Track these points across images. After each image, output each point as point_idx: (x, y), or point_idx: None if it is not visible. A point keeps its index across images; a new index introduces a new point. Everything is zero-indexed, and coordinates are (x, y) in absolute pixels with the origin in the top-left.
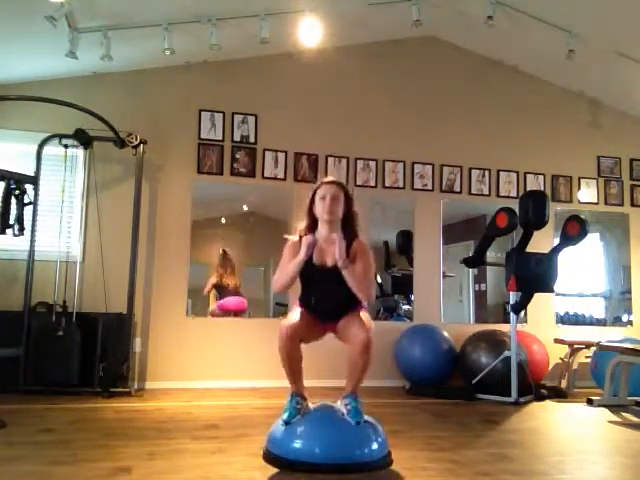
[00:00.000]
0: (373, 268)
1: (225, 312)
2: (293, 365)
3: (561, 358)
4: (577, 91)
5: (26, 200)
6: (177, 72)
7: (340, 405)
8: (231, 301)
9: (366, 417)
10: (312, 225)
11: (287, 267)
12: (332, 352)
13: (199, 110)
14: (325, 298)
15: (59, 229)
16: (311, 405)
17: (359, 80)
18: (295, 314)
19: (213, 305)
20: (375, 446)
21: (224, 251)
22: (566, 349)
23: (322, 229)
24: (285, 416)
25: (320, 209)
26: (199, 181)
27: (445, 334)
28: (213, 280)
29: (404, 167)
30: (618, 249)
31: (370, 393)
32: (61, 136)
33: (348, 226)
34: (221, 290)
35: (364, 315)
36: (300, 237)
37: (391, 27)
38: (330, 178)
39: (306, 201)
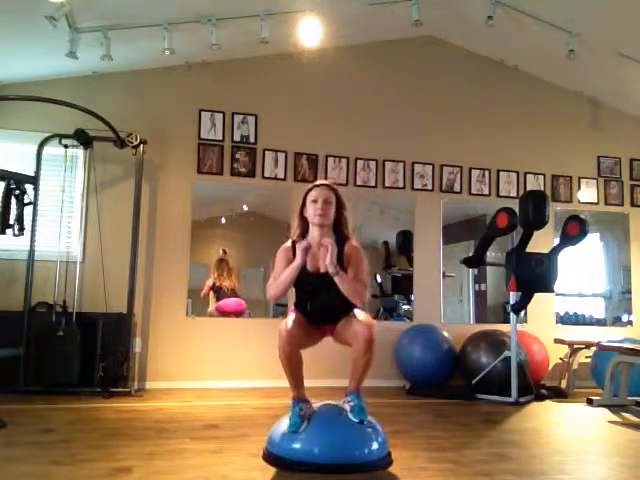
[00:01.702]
0: (366, 271)
1: (223, 314)
2: (294, 370)
3: (561, 358)
4: (577, 91)
5: (26, 200)
6: (177, 72)
7: (343, 403)
8: (229, 303)
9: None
10: (304, 228)
11: (281, 275)
12: (332, 352)
13: (199, 110)
14: (320, 303)
15: (59, 229)
16: (314, 404)
17: (359, 80)
18: (291, 320)
19: (212, 306)
20: (375, 446)
21: (224, 251)
22: (566, 349)
23: (314, 232)
24: (291, 427)
25: (311, 212)
26: (199, 181)
27: (445, 334)
28: (209, 282)
29: (404, 167)
30: (618, 249)
31: (370, 393)
32: (61, 136)
33: (340, 229)
34: (219, 292)
35: (362, 313)
36: (293, 242)
37: (391, 27)
38: (321, 181)
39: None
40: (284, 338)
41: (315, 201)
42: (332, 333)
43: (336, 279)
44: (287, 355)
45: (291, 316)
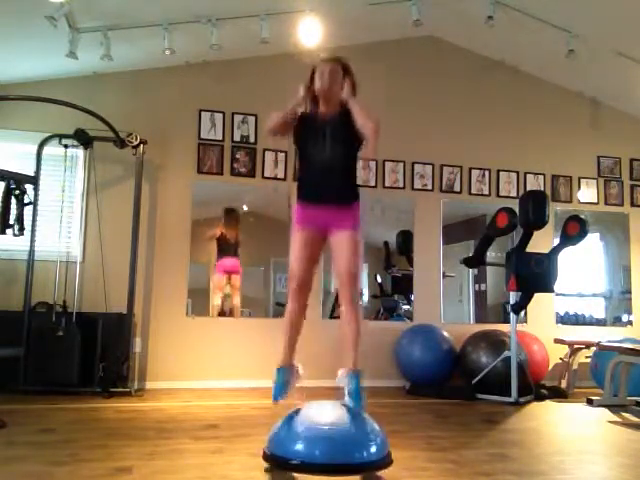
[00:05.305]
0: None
1: (222, 273)
2: (294, 324)
3: (561, 358)
4: (577, 91)
5: (26, 200)
6: (177, 72)
7: (341, 379)
8: (227, 262)
9: (366, 416)
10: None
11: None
12: (332, 352)
13: (199, 110)
14: (323, 158)
15: (59, 229)
16: (301, 370)
17: (359, 80)
18: (294, 245)
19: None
20: (375, 446)
21: (230, 209)
22: (566, 349)
23: (322, 106)
24: (275, 397)
25: (318, 85)
26: (199, 181)
27: (445, 334)
28: (217, 232)
29: (404, 167)
30: (618, 249)
31: (370, 393)
32: (61, 136)
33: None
34: (222, 245)
35: (356, 240)
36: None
37: (391, 27)
38: (333, 56)
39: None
40: (295, 280)
41: (322, 74)
42: (331, 234)
43: (350, 102)
44: (295, 302)
45: (294, 238)
